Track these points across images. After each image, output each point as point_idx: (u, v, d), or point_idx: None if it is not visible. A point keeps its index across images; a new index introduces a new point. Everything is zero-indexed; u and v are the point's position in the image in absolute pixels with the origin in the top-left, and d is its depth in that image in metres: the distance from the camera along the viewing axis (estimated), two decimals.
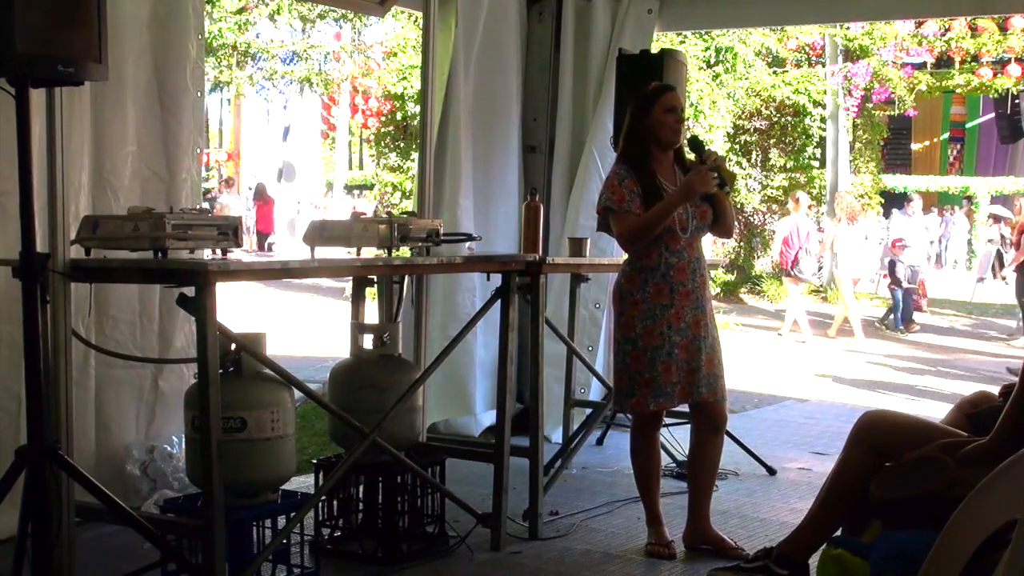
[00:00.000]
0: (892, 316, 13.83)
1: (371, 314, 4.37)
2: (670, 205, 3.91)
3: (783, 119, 16.68)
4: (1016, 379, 2.86)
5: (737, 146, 16.23)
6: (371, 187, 18.14)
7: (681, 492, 5.03)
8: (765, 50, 16.05)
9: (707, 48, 14.52)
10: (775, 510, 4.75)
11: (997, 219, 22.82)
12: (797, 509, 4.51)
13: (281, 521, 3.48)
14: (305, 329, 11.53)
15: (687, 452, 4.36)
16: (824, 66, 17.23)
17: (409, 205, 11.75)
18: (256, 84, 18.74)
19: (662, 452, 5.42)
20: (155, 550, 3.30)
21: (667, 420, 5.68)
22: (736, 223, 16.89)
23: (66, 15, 2.84)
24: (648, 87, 4.14)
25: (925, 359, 11.31)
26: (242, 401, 3.34)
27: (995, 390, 3.44)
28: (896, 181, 25.02)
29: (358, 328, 4.13)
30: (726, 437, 5.71)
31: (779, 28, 15.08)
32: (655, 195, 3.96)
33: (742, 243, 17.14)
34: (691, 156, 4.10)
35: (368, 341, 4.09)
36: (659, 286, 3.98)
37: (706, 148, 4.04)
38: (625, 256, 4.19)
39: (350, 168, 30.07)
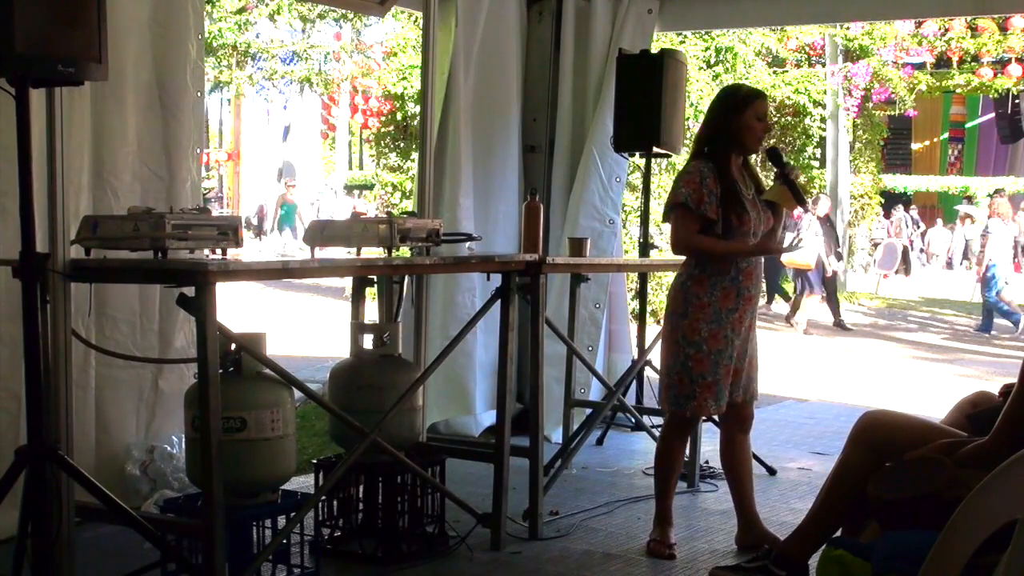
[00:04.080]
0: None
1: (371, 314, 4.37)
2: (739, 251, 3.93)
3: (783, 119, 16.66)
4: (1016, 379, 2.86)
5: None
6: (371, 187, 18.15)
7: (681, 492, 5.04)
8: (765, 50, 16.03)
9: (707, 48, 14.50)
10: (775, 510, 4.75)
11: (966, 217, 22.84)
12: (797, 509, 4.51)
13: (281, 521, 3.48)
14: (305, 329, 11.54)
15: (721, 454, 4.31)
16: (824, 66, 17.24)
17: (409, 205, 11.75)
18: (256, 84, 18.72)
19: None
20: (155, 550, 3.30)
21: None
22: None
23: (66, 15, 2.83)
24: (740, 90, 4.07)
25: (924, 359, 11.32)
26: (242, 401, 3.34)
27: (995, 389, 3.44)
28: (896, 181, 25.03)
29: (358, 328, 4.13)
30: None
31: (779, 28, 15.07)
32: (734, 199, 3.91)
33: None
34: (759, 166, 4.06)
35: (368, 341, 4.09)
36: (727, 290, 3.96)
37: (786, 162, 4.01)
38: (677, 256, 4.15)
39: (350, 168, 30.07)
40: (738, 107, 3.96)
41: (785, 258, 12.71)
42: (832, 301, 13.75)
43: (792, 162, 4.41)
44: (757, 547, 3.87)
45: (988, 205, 14.48)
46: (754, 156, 4.23)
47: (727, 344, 3.97)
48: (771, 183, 4.14)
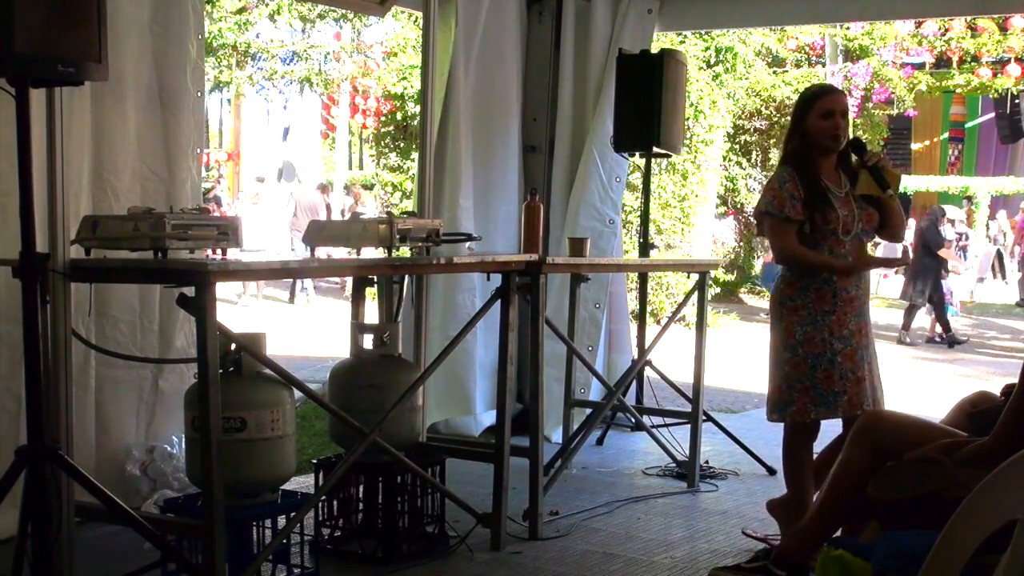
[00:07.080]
0: None
1: (371, 314, 4.37)
2: (832, 268, 3.85)
3: (783, 119, 16.66)
4: (1016, 379, 2.86)
5: (737, 146, 16.22)
6: (371, 187, 18.13)
7: (680, 492, 5.05)
8: (765, 50, 16.04)
9: (707, 48, 14.50)
10: None
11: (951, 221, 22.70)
12: None
13: (281, 521, 3.48)
14: (305, 329, 11.53)
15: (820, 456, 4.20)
16: (824, 66, 17.25)
17: (409, 205, 11.75)
18: (256, 84, 18.72)
19: (663, 452, 5.45)
20: (155, 550, 3.30)
21: (667, 420, 5.71)
22: (738, 224, 17.04)
23: (66, 15, 2.83)
24: (806, 93, 4.04)
25: (924, 359, 11.32)
26: (242, 401, 3.34)
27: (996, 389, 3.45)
28: None
29: (358, 328, 4.13)
30: (727, 437, 5.74)
31: (779, 28, 15.07)
32: (819, 197, 3.85)
33: (742, 243, 17.15)
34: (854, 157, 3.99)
35: (368, 341, 4.09)
36: (821, 292, 3.87)
37: (868, 150, 3.96)
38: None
39: (350, 168, 30.03)
40: (803, 110, 3.95)
41: None
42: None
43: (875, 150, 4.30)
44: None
45: None
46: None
47: (825, 348, 3.84)
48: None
